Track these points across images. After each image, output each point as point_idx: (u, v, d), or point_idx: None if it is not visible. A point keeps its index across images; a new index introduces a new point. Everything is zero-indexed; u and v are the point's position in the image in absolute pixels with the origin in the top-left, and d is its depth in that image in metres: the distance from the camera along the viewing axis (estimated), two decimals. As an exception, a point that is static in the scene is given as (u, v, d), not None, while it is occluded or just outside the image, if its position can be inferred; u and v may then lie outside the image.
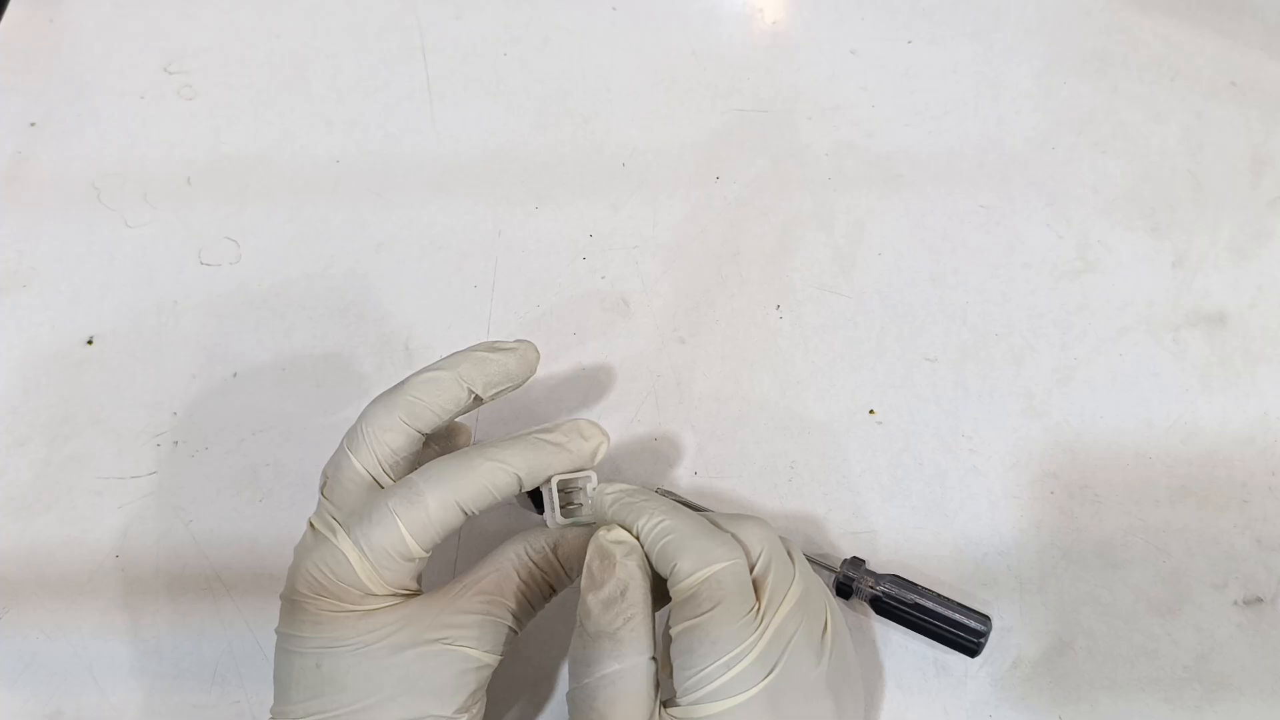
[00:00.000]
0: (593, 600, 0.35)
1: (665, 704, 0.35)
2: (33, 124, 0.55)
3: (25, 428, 0.48)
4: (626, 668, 0.34)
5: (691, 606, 0.34)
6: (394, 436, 0.37)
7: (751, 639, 0.34)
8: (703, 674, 0.33)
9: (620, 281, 0.50)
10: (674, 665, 0.35)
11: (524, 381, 0.39)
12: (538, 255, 0.51)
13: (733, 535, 0.36)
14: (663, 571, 0.35)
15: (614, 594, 0.34)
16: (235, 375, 0.49)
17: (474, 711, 0.35)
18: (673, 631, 0.35)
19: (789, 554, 0.37)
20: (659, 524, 0.35)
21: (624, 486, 0.37)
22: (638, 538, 0.36)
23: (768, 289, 0.50)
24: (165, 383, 0.49)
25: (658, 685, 0.35)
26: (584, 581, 0.35)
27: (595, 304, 0.50)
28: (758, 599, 0.35)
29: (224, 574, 0.45)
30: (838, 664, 0.36)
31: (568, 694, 0.35)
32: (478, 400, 0.38)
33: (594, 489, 0.37)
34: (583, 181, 0.53)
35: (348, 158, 0.54)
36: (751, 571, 0.35)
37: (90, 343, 0.50)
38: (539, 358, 0.39)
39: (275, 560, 0.45)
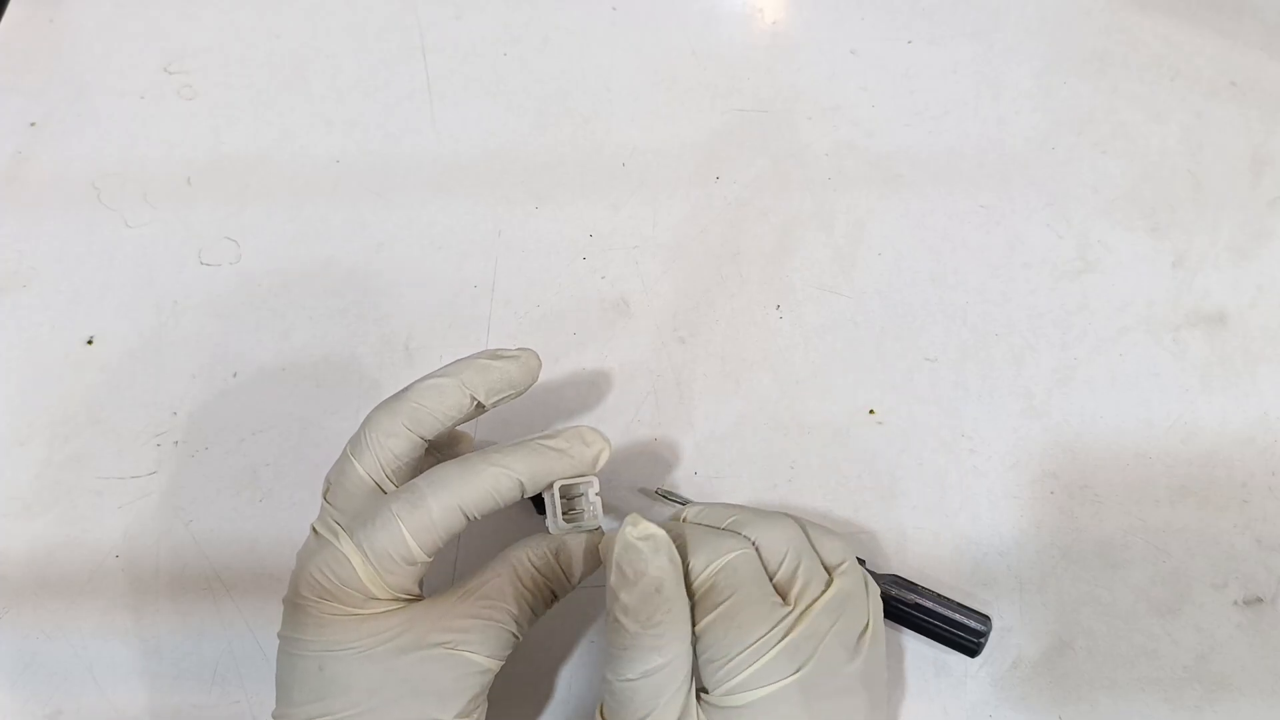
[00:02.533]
0: (627, 598, 0.34)
1: (700, 694, 0.35)
2: (33, 124, 0.55)
3: (25, 428, 0.48)
4: (669, 660, 0.34)
5: (712, 597, 0.35)
6: (397, 442, 0.37)
7: (778, 627, 0.34)
8: (732, 663, 0.34)
9: (620, 281, 0.50)
10: (703, 662, 0.35)
11: (526, 389, 0.39)
12: (538, 255, 0.51)
13: (753, 535, 0.37)
14: None
15: (649, 590, 0.34)
16: (235, 375, 0.49)
17: (475, 716, 0.36)
18: (699, 628, 0.35)
19: (840, 559, 0.38)
20: (672, 531, 0.36)
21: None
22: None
23: (768, 289, 0.50)
24: (165, 383, 0.49)
25: (694, 673, 0.35)
26: (614, 579, 0.35)
27: (595, 304, 0.50)
28: (786, 592, 0.36)
29: (224, 574, 0.45)
30: (873, 664, 0.36)
31: (607, 686, 0.35)
32: (480, 407, 0.38)
33: (596, 494, 0.37)
34: (583, 181, 0.53)
35: (348, 158, 0.54)
36: (779, 568, 0.36)
37: (90, 343, 0.50)
38: (541, 365, 0.39)
39: (275, 560, 0.45)
